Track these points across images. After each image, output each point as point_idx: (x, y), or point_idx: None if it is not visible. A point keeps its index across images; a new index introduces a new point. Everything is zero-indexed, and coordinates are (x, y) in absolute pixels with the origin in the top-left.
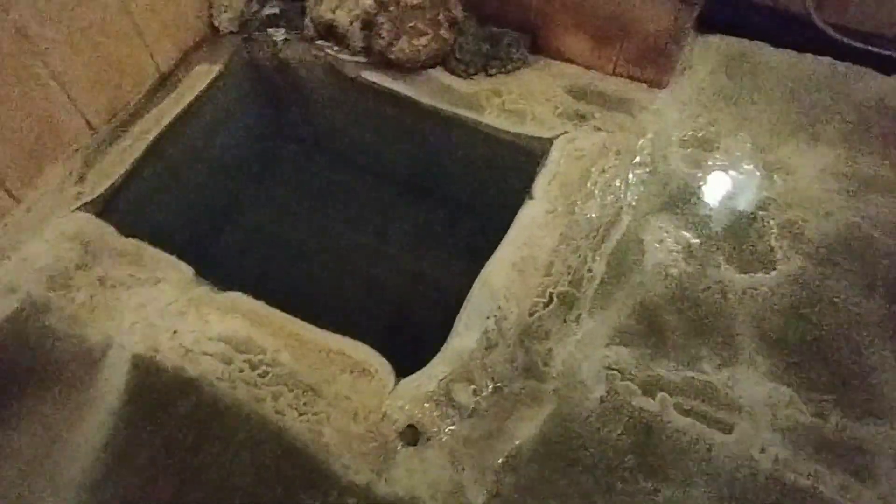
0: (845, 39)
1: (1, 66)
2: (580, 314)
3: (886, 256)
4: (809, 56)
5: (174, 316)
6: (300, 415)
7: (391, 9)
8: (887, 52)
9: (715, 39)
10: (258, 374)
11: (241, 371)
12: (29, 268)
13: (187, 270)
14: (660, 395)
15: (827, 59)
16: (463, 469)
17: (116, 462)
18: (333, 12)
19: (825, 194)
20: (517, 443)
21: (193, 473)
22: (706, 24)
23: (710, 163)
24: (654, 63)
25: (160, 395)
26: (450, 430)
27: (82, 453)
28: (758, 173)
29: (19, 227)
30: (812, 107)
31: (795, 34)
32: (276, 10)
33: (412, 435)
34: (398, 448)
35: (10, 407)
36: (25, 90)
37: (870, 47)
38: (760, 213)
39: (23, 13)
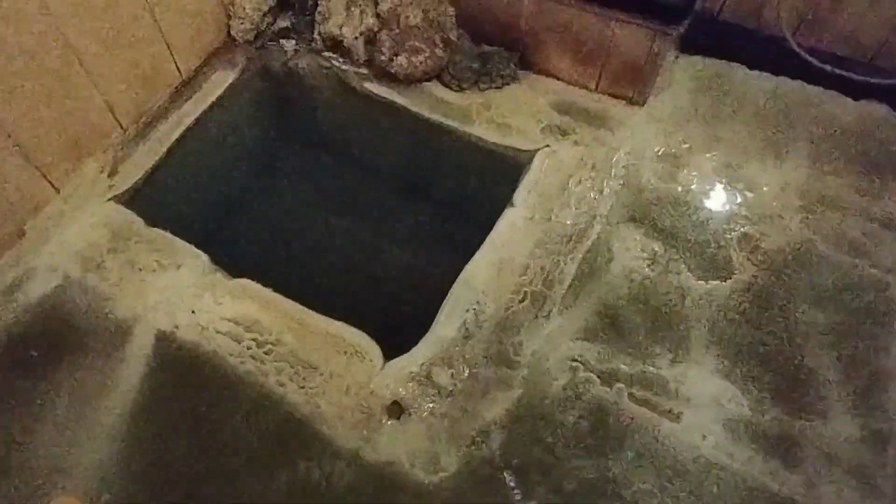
0: (818, 63)
1: (49, 73)
2: (550, 311)
3: (835, 271)
4: (783, 79)
5: (192, 298)
6: (300, 388)
7: (392, 28)
8: (857, 77)
9: (695, 60)
10: (264, 352)
11: (250, 348)
12: (67, 250)
13: (204, 258)
14: (617, 385)
15: (799, 83)
16: (439, 441)
17: (142, 420)
18: (340, 28)
19: (785, 211)
20: (487, 421)
21: (206, 433)
22: (689, 45)
23: (679, 178)
24: (633, 83)
25: (179, 365)
26: (429, 406)
27: (113, 411)
28: (724, 189)
29: (59, 214)
30: (781, 127)
31: (773, 57)
32: (287, 24)
33: (396, 409)
34: (384, 420)
35: (52, 370)
36: (68, 94)
37: (841, 72)
38: (723, 225)
39: (70, 28)
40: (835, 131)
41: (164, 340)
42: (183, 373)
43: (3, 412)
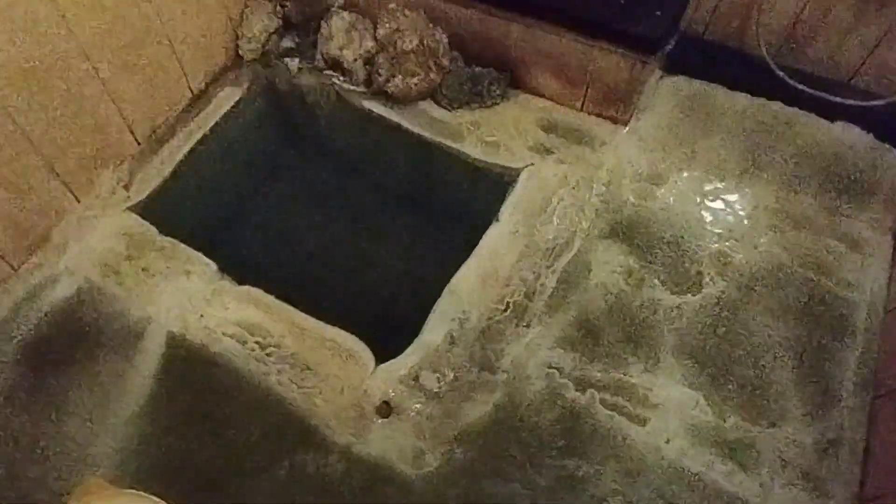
0: (797, 84)
1: (73, 91)
2: (530, 321)
3: (800, 287)
4: (761, 100)
5: (201, 302)
6: (298, 387)
7: (389, 51)
8: (834, 99)
9: (678, 80)
10: (266, 354)
11: (253, 350)
12: (87, 256)
13: (212, 265)
14: (589, 391)
15: (777, 104)
16: (424, 438)
17: (155, 414)
18: (341, 50)
19: (756, 229)
20: (469, 421)
21: (212, 427)
22: (674, 63)
23: (657, 195)
24: (616, 103)
25: (188, 365)
26: (416, 407)
27: (129, 406)
28: (699, 207)
29: (80, 222)
30: (758, 148)
31: (755, 77)
32: (292, 44)
33: (386, 409)
34: (374, 418)
35: (73, 367)
36: (89, 110)
37: (819, 93)
38: (696, 242)
39: (92, 49)
40: (809, 152)
41: (174, 341)
42: (192, 371)
43: (33, 405)
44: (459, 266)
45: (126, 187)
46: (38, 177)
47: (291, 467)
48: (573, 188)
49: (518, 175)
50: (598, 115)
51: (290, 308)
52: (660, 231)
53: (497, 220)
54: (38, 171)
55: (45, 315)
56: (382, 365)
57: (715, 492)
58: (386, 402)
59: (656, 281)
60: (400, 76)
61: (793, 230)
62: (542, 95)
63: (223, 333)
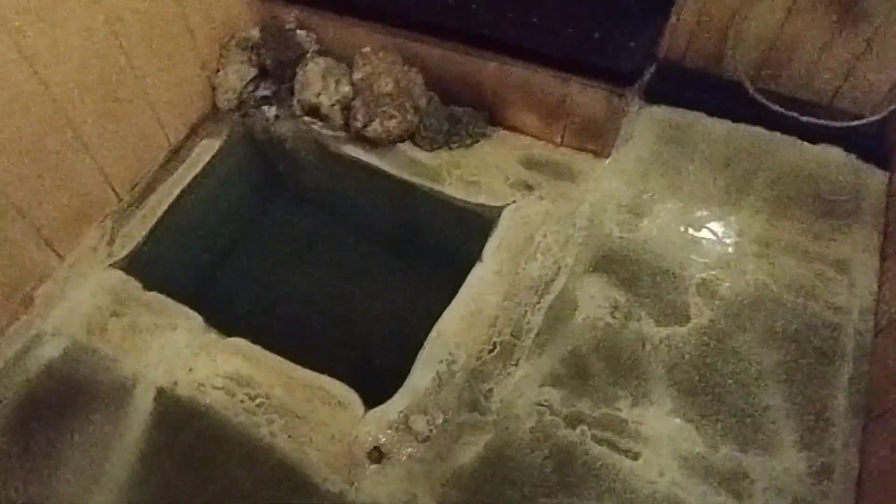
0: (777, 108)
1: (53, 150)
2: (518, 360)
3: (787, 313)
4: (742, 126)
5: (189, 356)
6: (288, 437)
7: (366, 95)
8: (815, 121)
9: (658, 110)
10: (256, 405)
11: (243, 402)
12: (73, 315)
13: (198, 318)
14: (580, 427)
15: (758, 129)
16: (417, 482)
17: (146, 469)
18: (317, 96)
19: (742, 256)
20: (461, 463)
21: (204, 480)
22: (653, 93)
23: (641, 227)
24: (595, 136)
25: (179, 418)
26: (407, 451)
27: (121, 461)
28: (683, 237)
29: (64, 280)
30: (741, 175)
31: (736, 102)
32: (268, 92)
33: (377, 454)
34: (366, 465)
35: (63, 426)
36: (70, 169)
37: (799, 116)
38: (682, 272)
39: (70, 106)
40: (792, 176)
41: (164, 396)
42: (182, 425)
43: (25, 465)
44: (445, 307)
45: (109, 243)
46: (21, 238)
47: None
48: (556, 224)
49: (500, 213)
50: (579, 149)
51: (278, 358)
52: (645, 263)
53: (481, 259)
54: (20, 232)
55: (34, 376)
56: (372, 410)
57: None
58: (377, 448)
59: (643, 313)
60: (377, 119)
61: (779, 255)
62: (521, 132)
63: (212, 386)
